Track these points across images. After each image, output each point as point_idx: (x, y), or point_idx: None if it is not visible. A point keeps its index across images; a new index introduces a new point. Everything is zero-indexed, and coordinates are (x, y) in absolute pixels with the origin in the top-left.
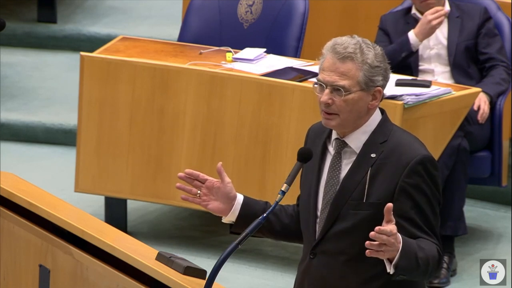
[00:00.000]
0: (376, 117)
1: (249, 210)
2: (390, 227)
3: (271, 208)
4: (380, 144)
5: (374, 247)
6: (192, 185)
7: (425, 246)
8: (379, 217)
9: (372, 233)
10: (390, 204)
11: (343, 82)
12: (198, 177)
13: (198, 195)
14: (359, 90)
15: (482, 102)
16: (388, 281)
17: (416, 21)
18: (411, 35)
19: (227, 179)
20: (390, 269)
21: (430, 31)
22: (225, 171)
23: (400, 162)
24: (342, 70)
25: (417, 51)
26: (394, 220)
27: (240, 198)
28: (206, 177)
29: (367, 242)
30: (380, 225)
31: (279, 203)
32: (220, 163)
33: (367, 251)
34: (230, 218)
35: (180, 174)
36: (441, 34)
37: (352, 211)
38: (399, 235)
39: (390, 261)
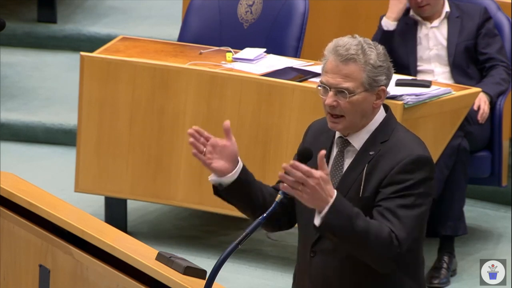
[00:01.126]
0: (380, 116)
1: (246, 178)
2: (315, 170)
3: (271, 208)
4: (381, 143)
5: (288, 181)
6: (199, 142)
7: (372, 222)
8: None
9: (284, 164)
10: (323, 152)
11: (347, 84)
12: (203, 135)
13: (203, 152)
14: (363, 91)
15: (482, 102)
16: (386, 279)
17: (415, 21)
18: (383, 18)
19: (233, 139)
20: (316, 220)
21: (395, 6)
22: None
23: (394, 159)
24: (345, 72)
25: (392, 32)
26: (327, 170)
27: (241, 163)
28: (211, 135)
29: (280, 173)
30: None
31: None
32: (228, 121)
33: (280, 184)
34: (225, 179)
35: (190, 130)
36: (441, 34)
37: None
38: (332, 190)
39: (320, 213)
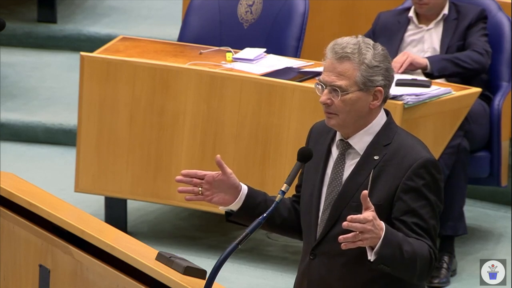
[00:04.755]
0: (381, 119)
1: (252, 202)
2: (366, 214)
3: (271, 208)
4: (384, 146)
5: (350, 239)
6: (191, 184)
7: (414, 243)
8: (379, 218)
9: (344, 223)
10: (365, 192)
11: (340, 82)
12: (196, 175)
13: (200, 192)
14: (357, 90)
15: (409, 59)
16: (387, 284)
17: (408, 21)
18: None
19: (229, 170)
20: (371, 256)
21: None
22: None
23: (402, 164)
24: (339, 70)
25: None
26: (372, 207)
27: (245, 189)
28: (204, 172)
29: (340, 237)
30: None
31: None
32: (219, 155)
33: (342, 244)
34: (231, 207)
35: (177, 177)
36: (436, 37)
37: (353, 213)
38: (381, 222)
39: (372, 248)
